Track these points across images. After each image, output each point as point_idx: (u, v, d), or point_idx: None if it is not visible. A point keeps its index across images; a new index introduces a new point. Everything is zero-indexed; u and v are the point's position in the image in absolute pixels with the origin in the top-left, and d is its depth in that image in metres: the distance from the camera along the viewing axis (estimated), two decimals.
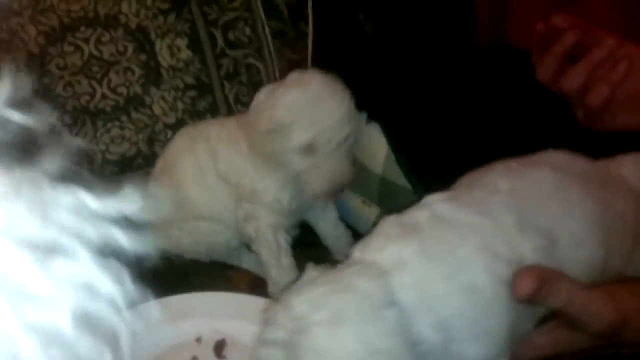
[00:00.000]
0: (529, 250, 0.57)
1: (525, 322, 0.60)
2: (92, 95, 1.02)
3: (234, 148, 0.89)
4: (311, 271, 0.58)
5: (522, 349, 0.60)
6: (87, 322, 0.29)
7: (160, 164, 0.96)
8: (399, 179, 0.93)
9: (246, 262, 0.96)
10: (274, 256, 0.88)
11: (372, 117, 0.97)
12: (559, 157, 0.65)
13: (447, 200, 0.60)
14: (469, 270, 0.56)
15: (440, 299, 0.55)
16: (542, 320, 0.61)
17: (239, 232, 0.91)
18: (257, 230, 0.88)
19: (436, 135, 0.93)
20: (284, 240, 0.89)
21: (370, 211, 0.99)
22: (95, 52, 1.02)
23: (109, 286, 0.30)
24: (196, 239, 0.92)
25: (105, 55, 1.02)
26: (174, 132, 1.00)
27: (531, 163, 0.64)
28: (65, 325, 0.29)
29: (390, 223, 0.60)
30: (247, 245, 0.94)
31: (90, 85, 1.02)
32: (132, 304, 0.32)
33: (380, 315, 0.52)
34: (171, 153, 0.95)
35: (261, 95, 0.86)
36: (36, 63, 0.99)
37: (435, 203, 0.60)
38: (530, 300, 0.55)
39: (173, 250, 0.91)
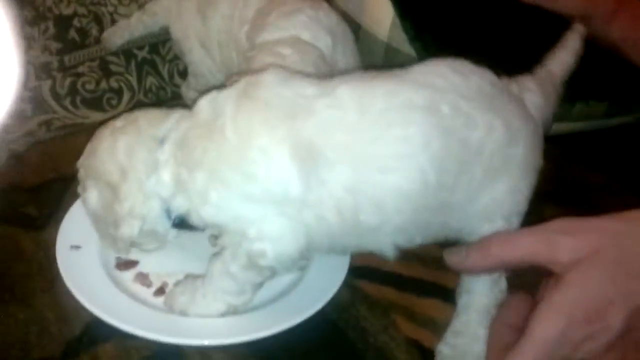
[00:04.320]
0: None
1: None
2: None
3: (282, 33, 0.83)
4: None
5: None
6: None
7: None
8: (404, 45, 0.94)
9: None
10: None
11: None
12: (429, 73, 0.62)
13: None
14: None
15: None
16: None
17: None
18: None
19: (443, 2, 0.92)
20: None
21: None
22: None
23: None
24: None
25: None
26: None
27: (387, 78, 0.62)
28: None
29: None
30: None
31: None
32: None
33: (150, 146, 0.67)
34: None
35: None
36: None
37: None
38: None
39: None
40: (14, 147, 0.96)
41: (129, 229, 0.68)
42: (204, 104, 0.65)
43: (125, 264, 0.77)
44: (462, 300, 0.67)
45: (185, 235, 0.77)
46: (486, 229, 0.64)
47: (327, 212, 0.61)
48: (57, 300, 0.71)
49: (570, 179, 0.91)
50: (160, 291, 0.74)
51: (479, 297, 0.66)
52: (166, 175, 0.65)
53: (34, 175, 0.90)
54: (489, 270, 0.63)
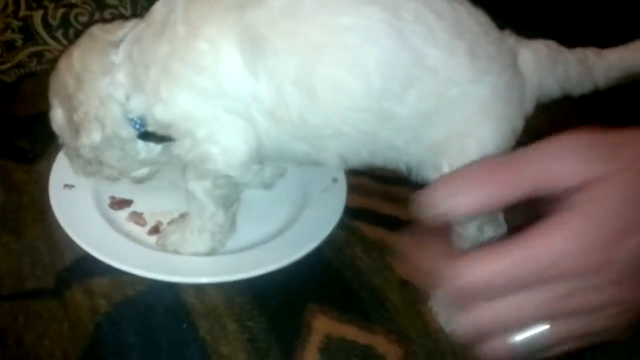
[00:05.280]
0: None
1: None
2: None
3: None
4: None
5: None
6: None
7: None
8: None
9: None
10: None
11: None
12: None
13: None
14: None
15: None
16: None
17: None
18: None
19: None
20: None
21: None
22: None
23: None
24: None
25: None
26: None
27: None
28: None
29: None
30: None
31: None
32: None
33: (104, 50, 0.66)
34: None
35: None
36: None
37: None
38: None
39: None
40: (4, 78, 0.94)
41: (88, 135, 0.67)
42: (159, 4, 0.64)
43: (119, 203, 0.76)
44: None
45: (180, 174, 0.77)
46: (432, 175, 0.62)
47: (275, 108, 0.60)
48: (49, 232, 0.70)
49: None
50: (155, 230, 0.73)
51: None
52: (120, 75, 0.64)
53: (25, 107, 0.88)
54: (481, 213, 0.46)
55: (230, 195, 0.68)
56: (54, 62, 0.97)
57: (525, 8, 0.88)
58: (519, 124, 0.62)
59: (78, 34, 0.97)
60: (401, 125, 0.60)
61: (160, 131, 0.65)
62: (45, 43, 0.97)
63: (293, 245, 0.70)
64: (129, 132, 0.67)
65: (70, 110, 0.68)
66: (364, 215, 0.76)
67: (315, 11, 0.58)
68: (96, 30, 0.69)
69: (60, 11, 0.97)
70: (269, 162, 0.72)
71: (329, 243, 0.72)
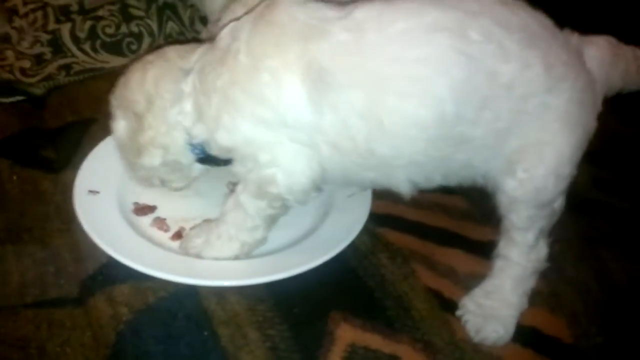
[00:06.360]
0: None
1: None
2: None
3: None
4: None
5: None
6: None
7: None
8: None
9: None
10: None
11: None
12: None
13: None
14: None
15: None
16: None
17: None
18: None
19: None
20: None
21: None
22: None
23: None
24: None
25: None
26: None
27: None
28: None
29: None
30: None
31: None
32: None
33: (177, 77, 0.68)
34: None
35: None
36: None
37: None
38: None
39: None
40: (34, 91, 0.96)
41: (150, 158, 0.69)
42: (225, 32, 0.65)
43: (143, 209, 0.76)
44: (498, 264, 0.66)
45: (204, 182, 0.77)
46: (509, 184, 0.61)
47: (340, 139, 0.59)
48: (74, 240, 0.70)
49: (603, 134, 0.87)
50: (177, 235, 0.73)
51: (515, 265, 0.65)
52: (188, 105, 0.66)
53: (53, 118, 0.89)
54: None
55: (278, 215, 0.68)
56: (81, 74, 0.99)
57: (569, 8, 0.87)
58: (592, 126, 0.62)
59: (105, 46, 0.99)
60: (477, 146, 0.59)
61: (222, 155, 0.66)
62: (73, 55, 0.98)
63: (316, 251, 0.69)
64: (188, 158, 0.70)
65: (137, 129, 0.69)
66: (389, 221, 0.74)
67: (381, 44, 0.57)
68: (171, 53, 0.70)
69: (88, 24, 0.98)
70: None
71: (354, 250, 0.70)
